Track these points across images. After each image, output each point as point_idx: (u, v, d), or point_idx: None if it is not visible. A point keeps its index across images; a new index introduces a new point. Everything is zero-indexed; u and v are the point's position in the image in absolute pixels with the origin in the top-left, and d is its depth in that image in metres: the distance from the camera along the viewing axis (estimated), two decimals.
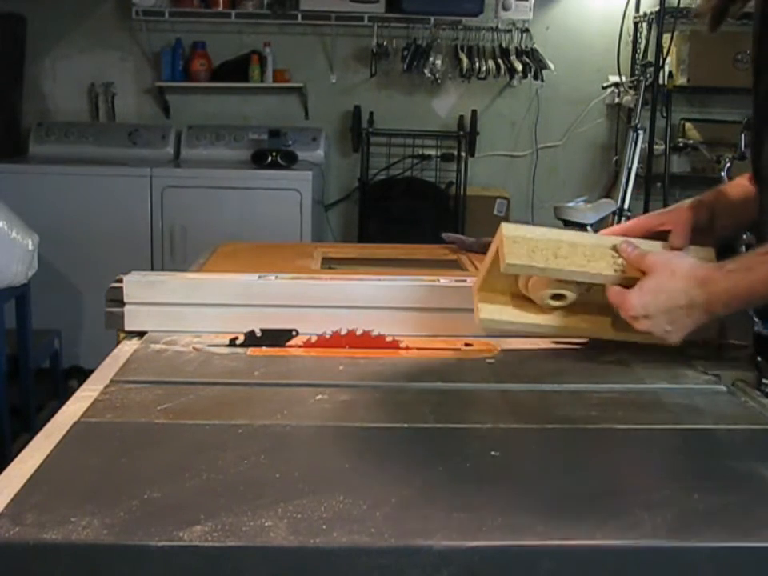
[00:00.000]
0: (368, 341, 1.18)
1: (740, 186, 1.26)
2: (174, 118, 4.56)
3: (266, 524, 0.67)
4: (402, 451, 0.84)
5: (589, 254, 1.09)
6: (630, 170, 4.20)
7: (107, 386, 1.00)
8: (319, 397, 0.97)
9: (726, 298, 1.04)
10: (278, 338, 1.18)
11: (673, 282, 1.06)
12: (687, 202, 1.24)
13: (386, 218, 4.38)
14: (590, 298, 1.14)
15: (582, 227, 4.08)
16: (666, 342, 1.08)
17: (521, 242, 1.07)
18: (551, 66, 4.38)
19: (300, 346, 1.18)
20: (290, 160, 4.15)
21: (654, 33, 4.27)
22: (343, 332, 1.18)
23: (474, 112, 4.48)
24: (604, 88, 4.43)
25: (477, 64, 4.39)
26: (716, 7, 1.14)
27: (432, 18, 4.36)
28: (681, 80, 4.37)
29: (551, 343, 1.20)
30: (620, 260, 1.10)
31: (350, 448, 0.85)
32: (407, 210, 4.40)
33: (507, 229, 1.09)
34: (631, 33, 4.44)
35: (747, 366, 1.11)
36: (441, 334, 1.21)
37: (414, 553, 0.65)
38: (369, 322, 1.20)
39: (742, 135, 3.40)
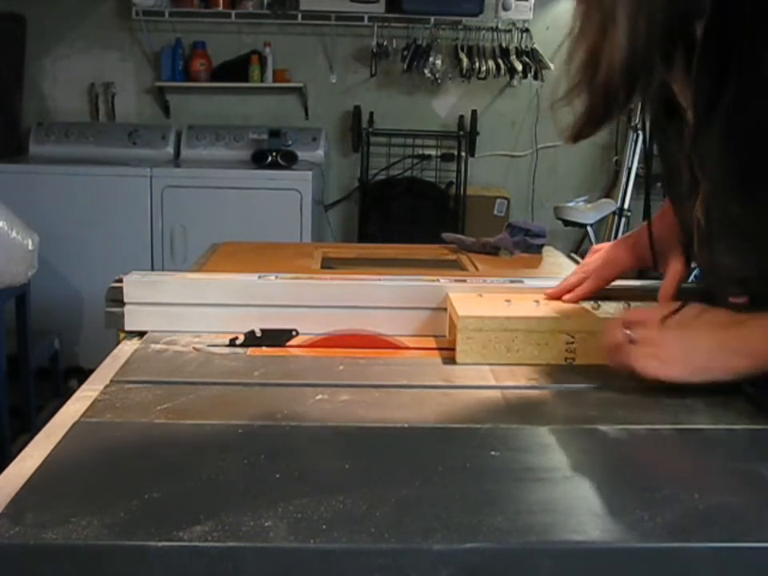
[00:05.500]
0: (368, 341, 1.18)
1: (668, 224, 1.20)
2: (173, 118, 4.56)
3: (266, 524, 0.67)
4: (402, 451, 0.84)
5: (542, 342, 1.11)
6: (630, 170, 4.21)
7: (107, 386, 1.00)
8: (319, 397, 0.97)
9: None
10: (277, 338, 1.18)
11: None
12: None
13: (386, 218, 4.39)
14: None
15: (581, 227, 4.10)
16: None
17: (474, 338, 1.10)
18: (551, 65, 4.37)
19: (300, 346, 1.18)
20: (289, 160, 4.15)
21: None
22: (343, 332, 1.18)
23: (474, 112, 4.48)
24: None
25: (477, 64, 4.39)
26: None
27: (432, 18, 4.37)
28: None
29: None
30: (573, 345, 1.10)
31: (350, 448, 0.85)
32: (407, 209, 4.40)
33: (463, 321, 1.10)
34: None
35: None
36: (441, 334, 1.21)
37: (414, 553, 0.65)
38: (369, 321, 1.20)
39: None
